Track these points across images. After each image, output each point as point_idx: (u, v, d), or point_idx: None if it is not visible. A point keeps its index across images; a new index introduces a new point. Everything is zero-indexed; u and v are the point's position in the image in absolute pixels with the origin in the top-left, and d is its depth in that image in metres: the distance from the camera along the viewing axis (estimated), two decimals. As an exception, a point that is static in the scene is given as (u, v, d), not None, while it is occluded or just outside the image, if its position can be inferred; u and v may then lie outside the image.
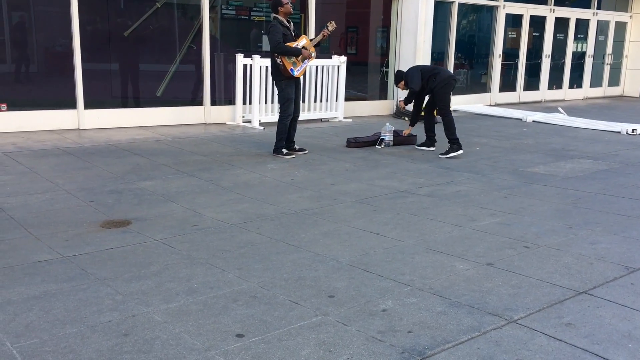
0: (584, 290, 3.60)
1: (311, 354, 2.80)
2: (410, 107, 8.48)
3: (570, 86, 15.99)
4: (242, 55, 9.35)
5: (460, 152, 7.67)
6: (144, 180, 6.03)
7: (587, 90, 16.52)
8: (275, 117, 8.26)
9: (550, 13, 14.83)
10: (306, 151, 7.61)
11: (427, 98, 8.20)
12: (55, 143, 7.63)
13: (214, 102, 9.81)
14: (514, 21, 14.13)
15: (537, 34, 14.81)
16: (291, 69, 7.06)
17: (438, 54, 12.53)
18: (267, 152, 7.57)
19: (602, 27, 16.49)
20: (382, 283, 3.64)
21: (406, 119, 9.98)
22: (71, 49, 8.46)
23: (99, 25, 8.96)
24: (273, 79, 7.50)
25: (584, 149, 8.47)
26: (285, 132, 7.33)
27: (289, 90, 7.19)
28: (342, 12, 11.81)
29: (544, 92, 15.26)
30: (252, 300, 3.37)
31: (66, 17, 8.40)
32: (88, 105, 8.68)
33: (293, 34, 7.25)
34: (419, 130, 8.48)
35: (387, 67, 12.05)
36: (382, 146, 8.25)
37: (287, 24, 7.15)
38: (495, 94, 13.97)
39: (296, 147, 7.57)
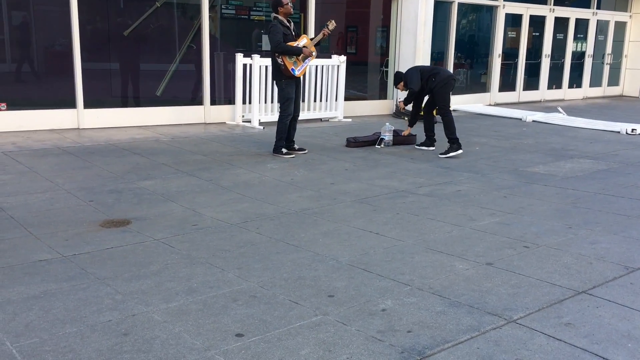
0: (584, 290, 3.60)
1: (311, 353, 2.81)
2: (410, 107, 8.48)
3: (570, 86, 16.00)
4: (242, 54, 9.35)
5: (460, 151, 7.67)
6: (143, 179, 6.03)
7: (586, 90, 16.52)
8: (275, 117, 8.26)
9: (550, 13, 14.83)
10: (306, 151, 7.62)
11: (426, 98, 8.21)
12: (55, 142, 7.63)
13: (213, 102, 9.81)
14: (513, 21, 14.14)
15: (537, 34, 14.81)
16: (292, 69, 7.06)
17: (438, 54, 12.54)
18: (266, 151, 7.57)
19: (602, 26, 16.49)
20: (381, 283, 3.64)
21: (406, 118, 9.98)
22: (71, 49, 8.46)
23: (99, 24, 8.96)
24: (273, 79, 7.50)
25: (584, 149, 8.48)
26: (285, 132, 7.33)
27: (289, 89, 7.19)
28: (342, 11, 11.81)
29: (543, 92, 15.27)
30: (251, 299, 3.37)
31: (66, 16, 8.40)
32: (88, 104, 8.68)
33: (293, 33, 7.25)
34: (419, 130, 8.48)
35: (386, 66, 12.05)
36: (382, 146, 8.25)
37: (288, 24, 7.16)
38: (494, 93, 13.97)
39: (296, 146, 7.57)
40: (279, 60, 7.05)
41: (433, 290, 3.54)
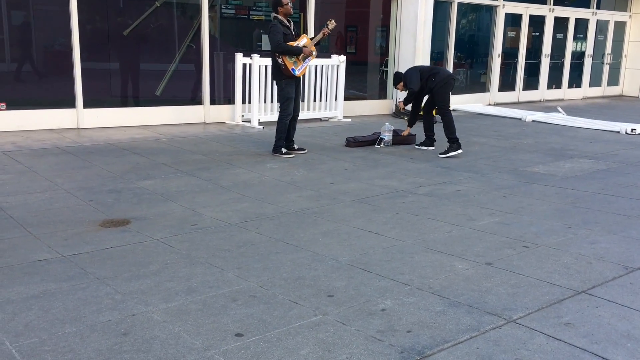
0: (583, 289, 3.60)
1: (310, 353, 2.81)
2: (409, 107, 8.48)
3: (570, 86, 16.00)
4: (242, 54, 9.35)
5: (460, 151, 7.67)
6: (143, 179, 6.03)
7: (586, 90, 16.53)
8: (274, 117, 8.26)
9: (550, 12, 14.83)
10: (305, 150, 7.61)
11: (426, 98, 8.21)
12: (54, 142, 7.63)
13: (213, 102, 9.81)
14: (513, 21, 14.14)
15: (537, 34, 14.81)
16: (292, 69, 7.06)
17: (437, 54, 12.54)
18: (266, 151, 7.57)
19: (602, 26, 16.49)
20: (381, 282, 3.64)
21: (405, 118, 9.97)
22: (70, 48, 8.45)
23: (99, 24, 8.96)
24: (273, 78, 7.50)
25: (583, 149, 8.48)
26: (285, 132, 7.33)
27: (288, 89, 7.19)
28: (342, 11, 11.81)
29: (543, 92, 15.27)
30: (251, 299, 3.37)
31: (65, 16, 8.39)
32: (87, 104, 8.68)
33: (293, 33, 7.25)
34: (418, 129, 8.48)
35: (386, 66, 12.05)
36: (382, 145, 8.25)
37: (288, 24, 7.16)
38: (494, 93, 13.97)
39: (295, 146, 7.57)
40: (279, 60, 7.05)
41: (433, 290, 3.54)
